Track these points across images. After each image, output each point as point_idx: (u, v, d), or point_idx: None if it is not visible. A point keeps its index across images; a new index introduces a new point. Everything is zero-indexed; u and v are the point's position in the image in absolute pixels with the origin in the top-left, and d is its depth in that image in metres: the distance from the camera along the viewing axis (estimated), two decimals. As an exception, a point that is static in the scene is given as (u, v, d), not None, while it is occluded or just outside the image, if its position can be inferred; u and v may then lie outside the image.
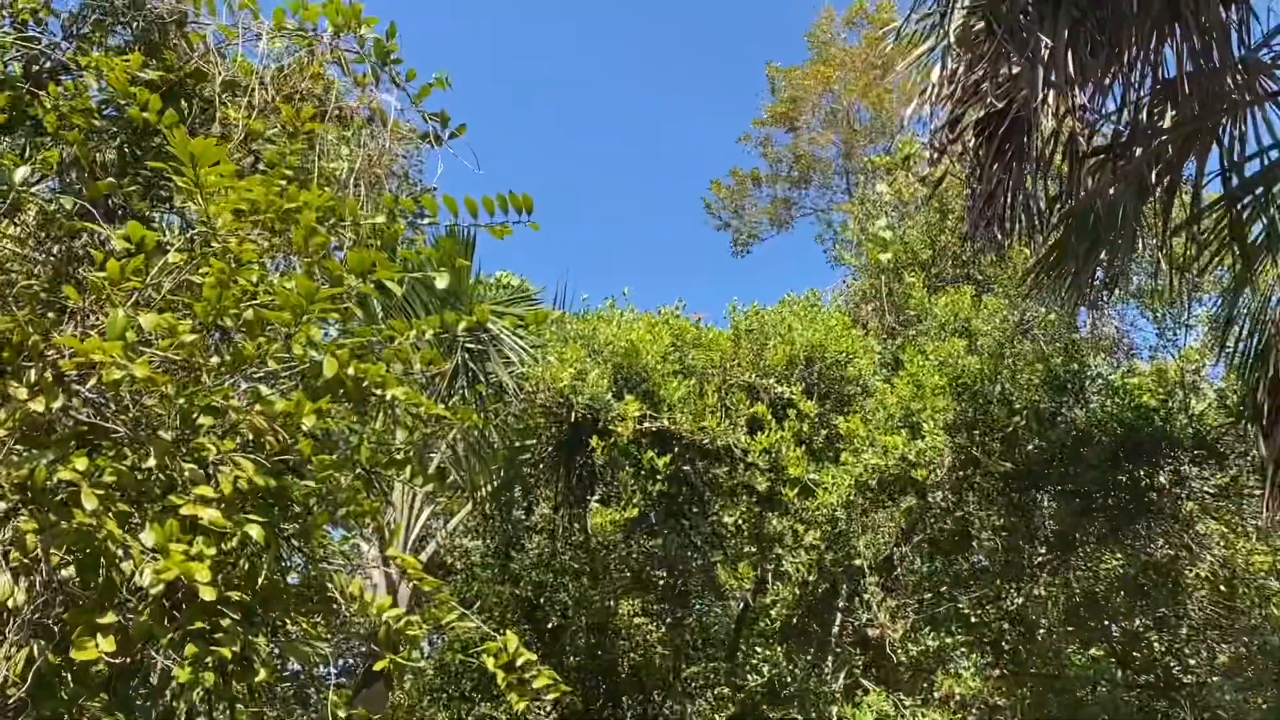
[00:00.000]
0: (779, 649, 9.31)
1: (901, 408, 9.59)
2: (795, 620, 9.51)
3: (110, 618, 3.49)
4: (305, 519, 4.05)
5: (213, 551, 3.53)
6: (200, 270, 3.94)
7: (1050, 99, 6.22)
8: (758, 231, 24.46)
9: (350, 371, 3.91)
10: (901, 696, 9.11)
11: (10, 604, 3.50)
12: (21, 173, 4.31)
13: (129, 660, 3.57)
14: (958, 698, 9.08)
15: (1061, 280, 7.90)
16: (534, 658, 4.14)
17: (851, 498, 9.09)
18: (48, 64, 4.94)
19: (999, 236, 7.19)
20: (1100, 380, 10.33)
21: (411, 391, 4.02)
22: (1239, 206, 7.39)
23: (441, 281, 4.45)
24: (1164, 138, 7.09)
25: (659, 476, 9.09)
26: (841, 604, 9.93)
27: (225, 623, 3.57)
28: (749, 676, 9.41)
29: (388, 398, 3.98)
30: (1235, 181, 7.26)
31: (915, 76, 6.99)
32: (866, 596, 9.40)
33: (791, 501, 9.10)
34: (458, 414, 4.35)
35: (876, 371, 9.90)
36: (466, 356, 9.59)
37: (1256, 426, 7.39)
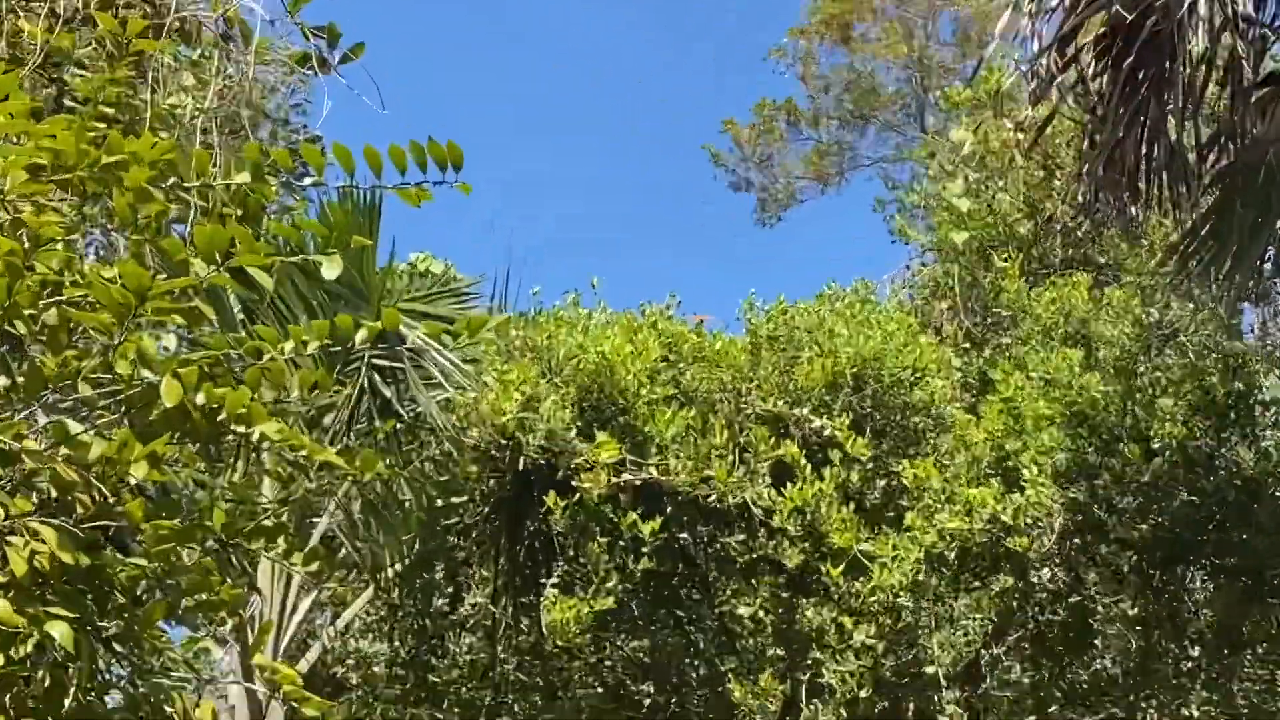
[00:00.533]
0: (818, 796, 9.28)
1: (992, 448, 9.47)
2: (841, 755, 9.48)
3: None
4: (133, 612, 4.00)
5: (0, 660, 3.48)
6: (-20, 253, 3.89)
7: (1201, 6, 6.25)
8: (792, 190, 24.20)
9: (199, 399, 3.87)
10: None
11: None
12: None
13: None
14: None
15: (1218, 263, 7.93)
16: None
17: (921, 577, 8.98)
18: None
19: (1128, 203, 7.21)
20: (1276, 408, 10.27)
21: (287, 429, 3.98)
22: None
23: (331, 269, 4.42)
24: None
25: (644, 550, 9.01)
26: (908, 731, 9.86)
27: (16, 764, 3.51)
28: (775, 836, 9.38)
29: (253, 437, 3.93)
30: None
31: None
32: (944, 719, 9.28)
33: (835, 583, 9.00)
34: (355, 461, 4.31)
35: (956, 397, 9.91)
36: (373, 378, 9.60)
37: None
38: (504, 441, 9.33)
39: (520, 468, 9.43)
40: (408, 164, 4.54)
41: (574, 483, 8.98)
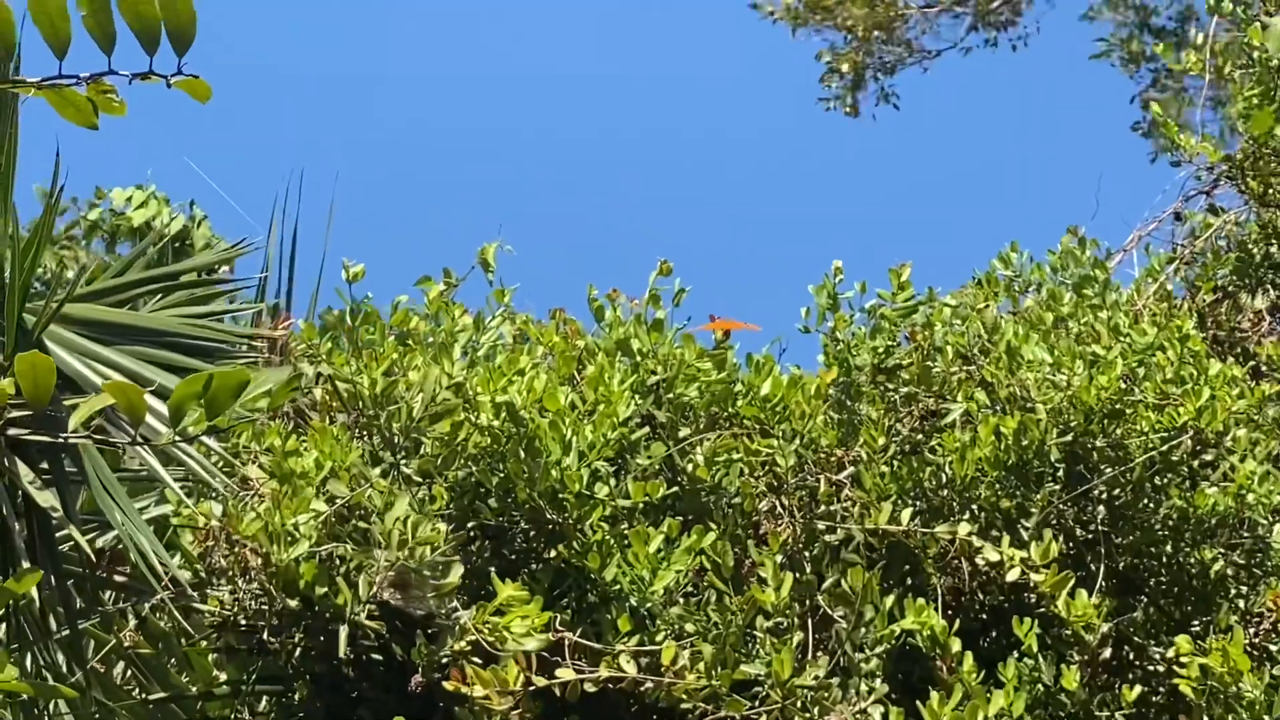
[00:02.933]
0: None
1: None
2: None
3: None
4: None
5: None
6: None
7: None
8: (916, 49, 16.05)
9: None
10: None
11: None
12: None
13: None
14: None
15: None
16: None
17: None
18: None
19: None
20: None
21: None
22: None
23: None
24: None
25: None
26: None
27: None
28: None
29: None
30: None
31: None
32: None
33: None
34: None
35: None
36: (15, 469, 5.12)
37: None
38: (289, 605, 4.78)
39: (330, 659, 4.90)
40: (69, 33, 2.54)
41: (450, 685, 4.59)
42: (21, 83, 2.62)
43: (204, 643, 5.19)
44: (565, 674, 4.47)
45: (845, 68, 15.25)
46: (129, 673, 5.38)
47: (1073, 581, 4.57)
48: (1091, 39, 15.69)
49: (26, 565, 4.87)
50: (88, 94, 2.57)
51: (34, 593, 4.77)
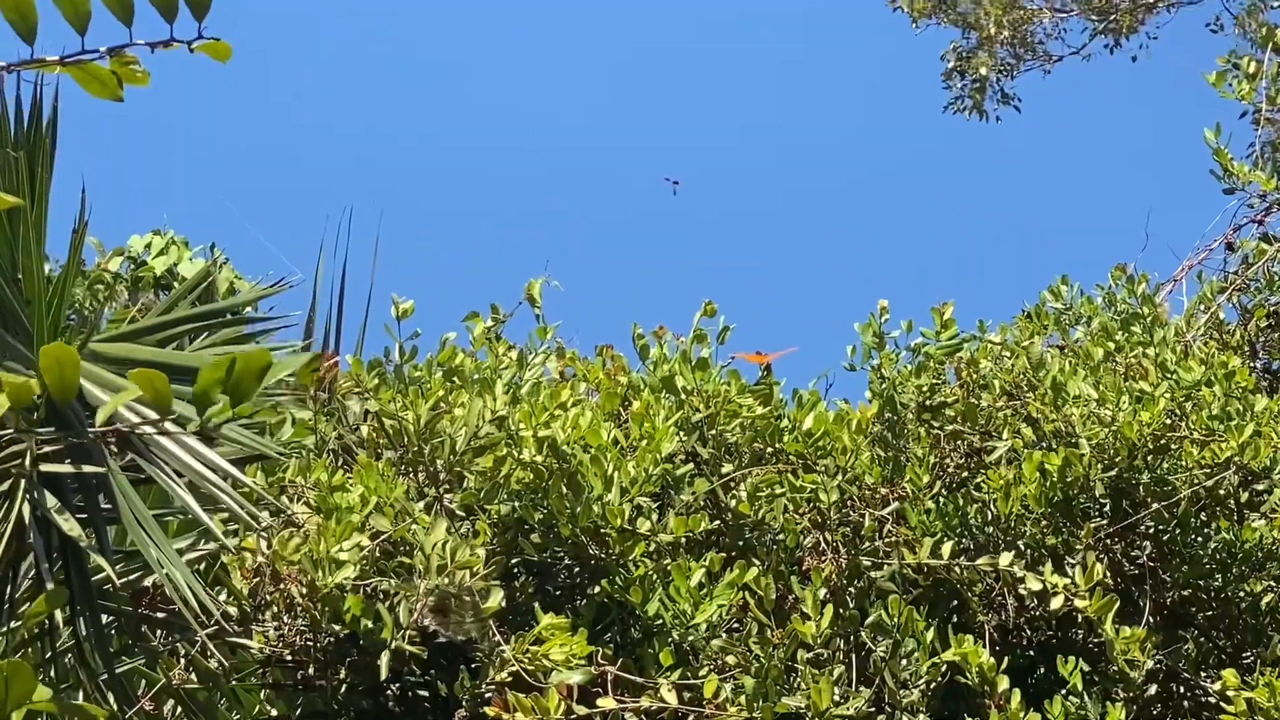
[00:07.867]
0: None
1: None
2: None
3: None
4: None
5: None
6: None
7: None
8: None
9: None
10: None
11: None
12: None
13: None
14: None
15: None
16: None
17: None
18: None
19: None
20: None
21: None
22: None
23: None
24: None
25: None
26: None
27: None
28: None
29: None
30: None
31: None
32: None
33: None
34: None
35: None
36: (44, 502, 4.64)
37: None
38: (335, 633, 4.58)
39: (375, 694, 4.71)
40: (89, 9, 2.39)
41: (492, 712, 4.40)
42: (44, 62, 2.54)
43: (252, 679, 5.00)
44: (606, 703, 4.35)
45: (983, 70, 14.18)
46: (178, 710, 5.20)
47: (1117, 605, 4.32)
48: (1216, 54, 14.68)
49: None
50: (111, 67, 2.48)
51: (69, 627, 4.64)
